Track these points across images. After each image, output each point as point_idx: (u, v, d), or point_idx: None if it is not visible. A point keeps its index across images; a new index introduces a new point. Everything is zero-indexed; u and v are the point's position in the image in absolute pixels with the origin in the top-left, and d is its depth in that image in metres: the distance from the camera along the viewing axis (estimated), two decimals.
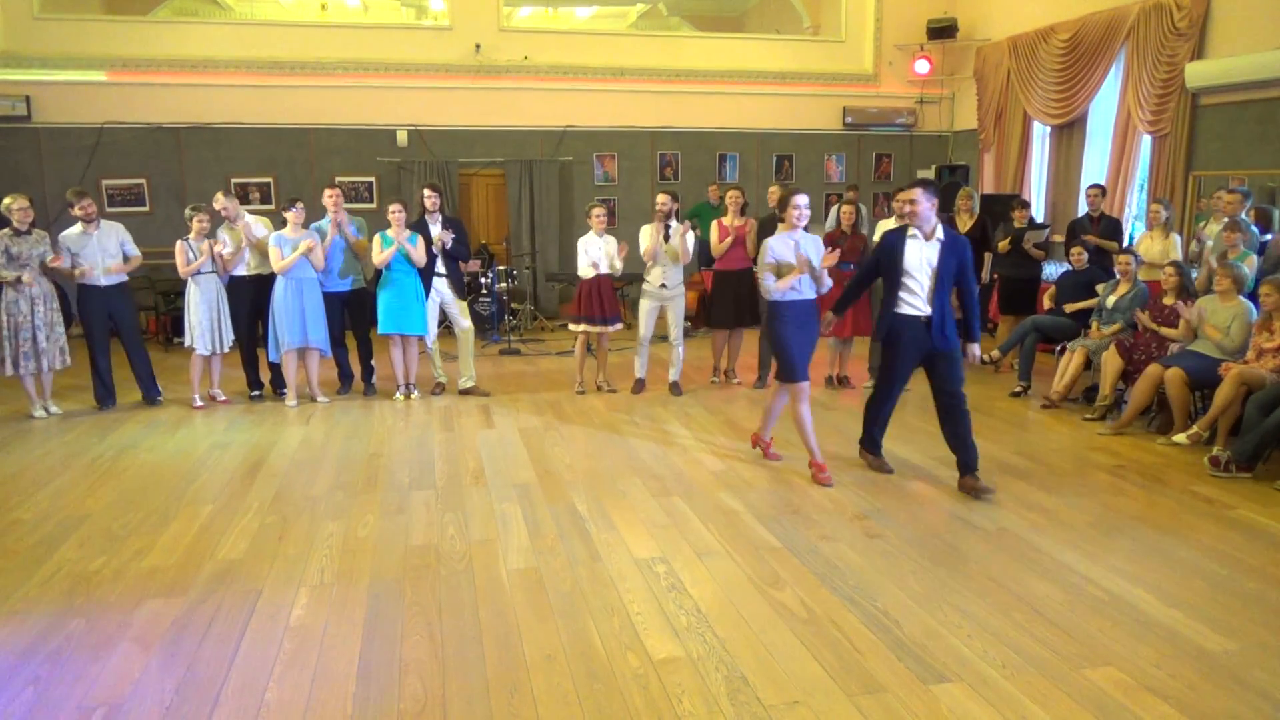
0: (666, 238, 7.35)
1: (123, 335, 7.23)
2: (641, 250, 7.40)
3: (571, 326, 7.69)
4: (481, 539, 4.59)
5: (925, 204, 5.06)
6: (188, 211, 7.24)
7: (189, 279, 7.14)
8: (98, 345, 7.22)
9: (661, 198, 7.40)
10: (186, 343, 7.26)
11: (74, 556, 4.39)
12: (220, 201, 7.36)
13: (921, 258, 5.14)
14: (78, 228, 6.98)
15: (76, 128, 10.52)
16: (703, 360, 8.41)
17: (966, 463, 5.25)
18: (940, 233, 5.17)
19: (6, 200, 6.73)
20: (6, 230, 6.66)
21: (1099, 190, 8.29)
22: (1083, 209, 9.60)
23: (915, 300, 5.18)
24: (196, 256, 7.09)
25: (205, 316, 7.16)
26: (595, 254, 7.39)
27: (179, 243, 7.13)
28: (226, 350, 7.34)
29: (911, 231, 5.16)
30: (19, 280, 6.71)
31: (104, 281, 7.04)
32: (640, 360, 7.81)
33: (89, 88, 10.47)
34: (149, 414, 7.15)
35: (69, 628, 3.68)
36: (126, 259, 7.21)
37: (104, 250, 7.04)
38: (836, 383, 7.95)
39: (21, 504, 5.13)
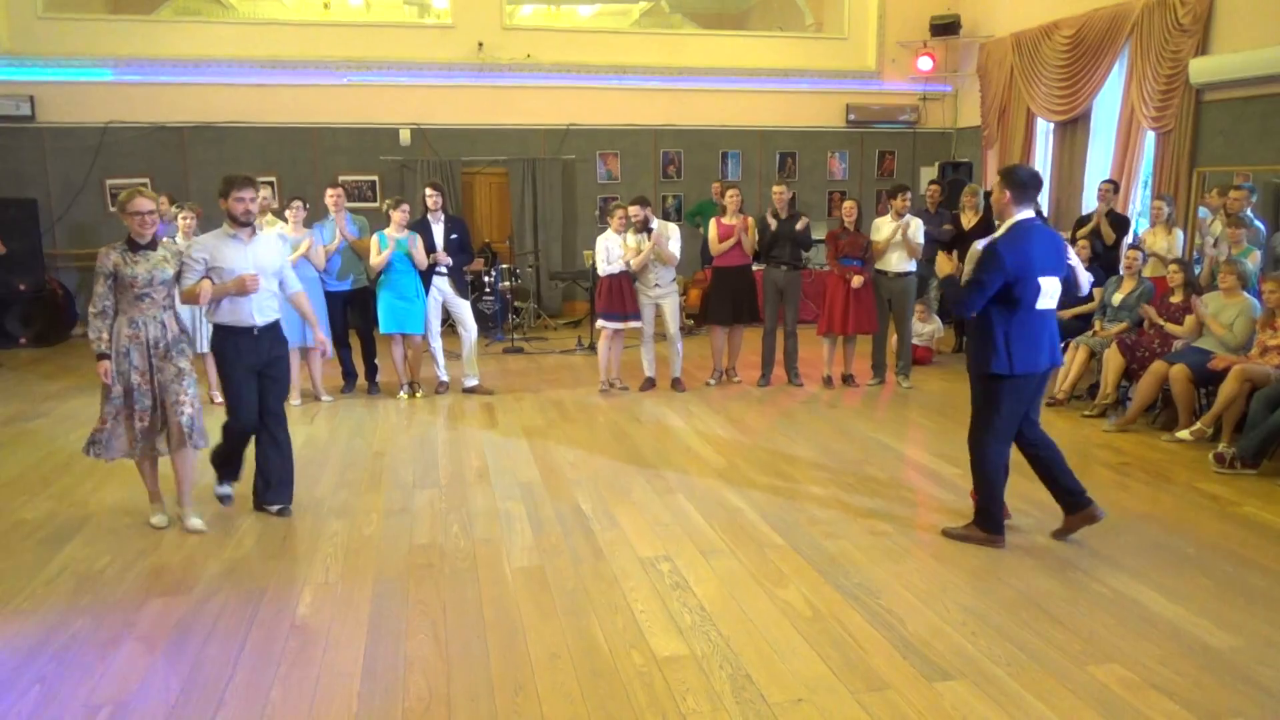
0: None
1: (265, 402, 4.83)
2: (632, 263, 7.40)
3: (599, 325, 7.71)
4: (485, 538, 4.60)
5: None
6: (172, 210, 7.20)
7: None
8: (236, 411, 4.75)
9: (633, 209, 7.38)
10: None
11: (79, 556, 4.40)
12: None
13: None
14: (222, 231, 4.70)
15: (80, 127, 10.53)
16: (705, 359, 8.41)
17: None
18: None
19: (121, 196, 4.52)
20: (120, 244, 4.51)
21: (1111, 185, 8.26)
22: (1087, 206, 9.59)
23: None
24: None
25: (189, 316, 7.10)
26: (615, 252, 7.41)
27: (164, 240, 7.08)
28: (205, 350, 7.25)
29: None
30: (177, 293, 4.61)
31: (260, 319, 4.70)
32: (647, 358, 7.83)
33: (93, 87, 10.48)
34: None
35: (74, 626, 3.69)
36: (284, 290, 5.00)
37: (260, 269, 4.65)
38: (841, 381, 7.95)
39: (27, 504, 5.14)
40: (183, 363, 4.56)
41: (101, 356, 4.44)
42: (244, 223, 4.61)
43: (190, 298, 4.54)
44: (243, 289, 4.53)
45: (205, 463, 4.97)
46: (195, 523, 4.66)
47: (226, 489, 5.00)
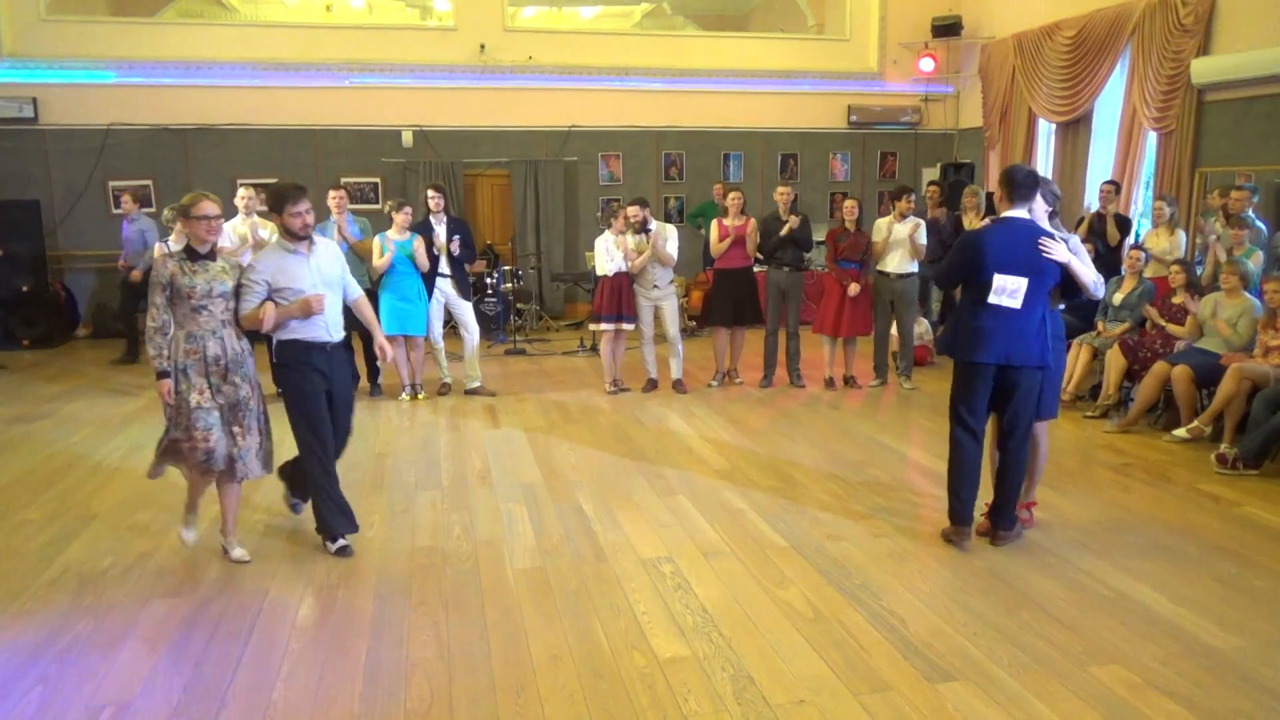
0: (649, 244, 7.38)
1: (338, 424, 4.53)
2: (631, 264, 7.41)
3: (592, 326, 7.71)
4: (487, 539, 4.60)
5: None
6: (167, 214, 7.19)
7: None
8: (322, 441, 4.39)
9: (632, 209, 7.40)
10: None
11: (82, 556, 4.41)
12: (243, 195, 7.36)
13: None
14: (279, 246, 4.29)
15: (83, 129, 10.54)
16: (707, 360, 8.42)
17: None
18: None
19: (185, 200, 4.17)
20: (177, 252, 4.18)
21: (1112, 187, 8.26)
22: (1090, 207, 9.58)
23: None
24: None
25: None
26: (614, 252, 7.43)
27: (158, 245, 7.12)
28: None
29: None
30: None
31: (336, 335, 4.39)
32: (649, 360, 7.84)
33: (95, 89, 10.50)
34: (156, 415, 7.11)
35: (77, 627, 3.70)
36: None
37: (326, 283, 4.34)
38: (843, 383, 7.95)
39: (30, 504, 5.15)
40: (246, 389, 4.20)
41: (162, 375, 4.09)
42: (302, 237, 4.22)
43: (252, 323, 4.16)
44: (308, 311, 4.18)
45: (247, 489, 4.75)
46: (239, 553, 4.33)
47: (343, 541, 4.44)
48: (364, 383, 7.88)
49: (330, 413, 4.38)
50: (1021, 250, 4.20)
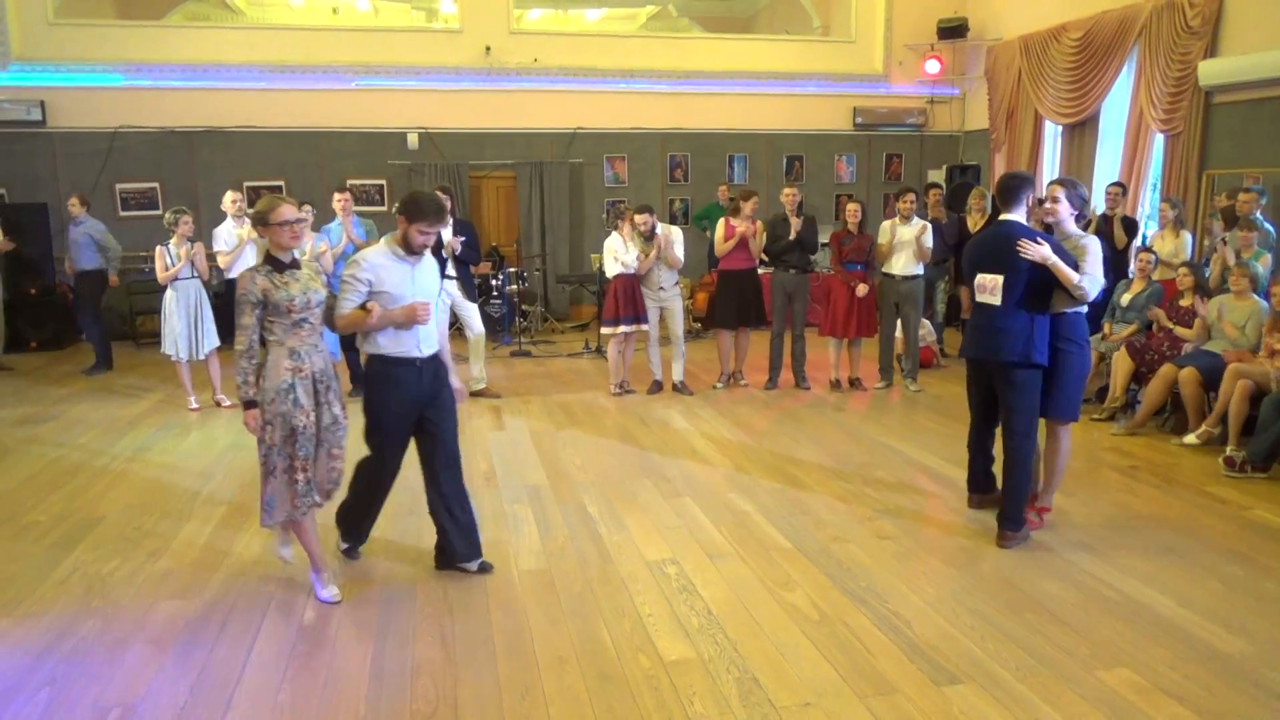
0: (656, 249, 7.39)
1: (436, 450, 4.17)
2: (637, 268, 7.41)
3: (607, 330, 7.63)
4: (493, 540, 4.60)
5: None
6: (169, 216, 7.21)
7: (168, 285, 7.11)
8: (393, 457, 4.20)
9: (641, 217, 7.38)
10: (163, 349, 7.24)
11: (89, 558, 4.42)
12: (232, 198, 7.43)
13: None
14: (389, 250, 3.94)
15: (90, 132, 10.58)
16: (712, 362, 8.41)
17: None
18: None
19: (260, 205, 3.79)
20: (262, 266, 3.78)
21: (1119, 188, 8.24)
22: (1095, 210, 9.56)
23: None
24: (175, 262, 7.09)
25: (183, 323, 7.13)
26: (622, 253, 7.43)
27: (158, 247, 7.12)
28: (203, 357, 7.27)
29: None
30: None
31: (426, 350, 4.04)
32: (654, 361, 7.83)
33: (103, 92, 10.53)
34: (162, 417, 7.18)
35: (84, 629, 3.71)
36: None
37: (424, 295, 4.02)
38: (848, 384, 7.94)
39: (37, 506, 5.17)
40: (338, 407, 3.96)
41: (249, 404, 3.75)
42: (416, 252, 3.96)
43: (352, 324, 3.86)
44: (413, 319, 3.89)
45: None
46: (285, 553, 4.23)
47: (350, 549, 4.40)
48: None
49: (428, 430, 4.11)
50: (997, 249, 4.40)
